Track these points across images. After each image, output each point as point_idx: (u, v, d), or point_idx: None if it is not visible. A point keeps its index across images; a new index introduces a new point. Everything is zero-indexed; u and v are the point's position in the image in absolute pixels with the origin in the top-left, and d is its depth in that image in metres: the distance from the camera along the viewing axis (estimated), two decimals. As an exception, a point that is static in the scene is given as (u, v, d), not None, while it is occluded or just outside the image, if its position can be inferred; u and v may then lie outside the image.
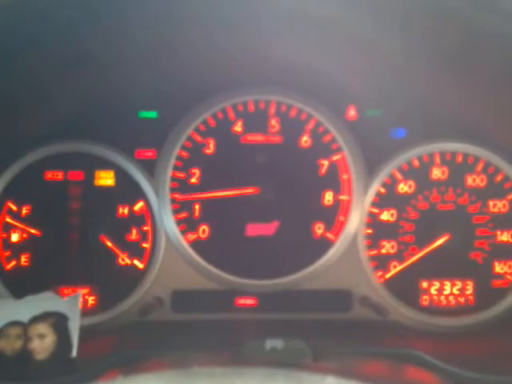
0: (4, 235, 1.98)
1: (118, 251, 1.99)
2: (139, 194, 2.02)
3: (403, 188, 2.03)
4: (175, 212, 2.01)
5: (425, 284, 2.01)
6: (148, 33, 1.52)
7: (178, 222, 2.01)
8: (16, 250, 1.98)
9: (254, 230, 2.02)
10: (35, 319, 1.46)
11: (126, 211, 2.01)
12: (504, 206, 2.01)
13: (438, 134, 2.01)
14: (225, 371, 0.91)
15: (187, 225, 2.02)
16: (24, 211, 1.99)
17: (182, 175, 2.02)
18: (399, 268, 2.00)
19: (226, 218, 2.02)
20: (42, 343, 1.44)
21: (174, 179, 2.02)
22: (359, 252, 2.01)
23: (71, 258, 1.99)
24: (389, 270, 2.01)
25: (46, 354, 1.44)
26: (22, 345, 1.44)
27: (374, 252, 2.02)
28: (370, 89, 1.91)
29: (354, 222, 2.01)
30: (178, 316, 2.00)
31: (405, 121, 2.03)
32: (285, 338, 1.36)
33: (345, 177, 2.03)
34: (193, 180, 2.03)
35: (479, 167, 2.02)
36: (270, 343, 1.34)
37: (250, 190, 2.01)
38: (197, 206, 2.02)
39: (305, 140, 2.04)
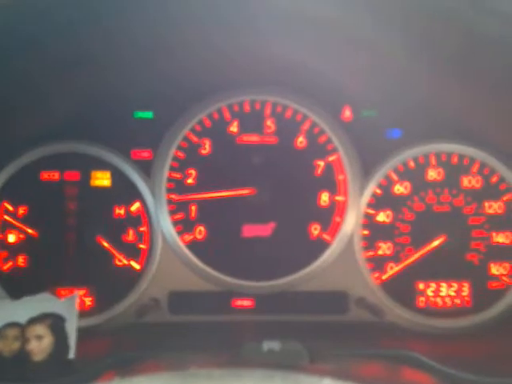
0: (0, 236, 1.98)
1: (114, 252, 1.99)
2: (135, 195, 2.02)
3: (399, 189, 2.03)
4: (172, 213, 2.01)
5: (421, 285, 2.01)
6: (146, 33, 1.52)
7: (175, 223, 2.01)
8: (13, 250, 1.98)
9: (250, 231, 2.02)
10: (33, 320, 1.45)
11: (122, 212, 2.01)
12: (499, 207, 2.01)
13: (433, 135, 2.02)
14: (222, 373, 0.91)
15: (184, 226, 2.02)
16: (20, 212, 1.98)
17: (178, 176, 2.02)
18: (396, 269, 2.01)
19: (223, 218, 2.02)
20: (40, 344, 1.43)
21: (170, 180, 2.02)
22: (355, 253, 2.01)
23: (68, 259, 1.98)
24: (385, 272, 2.01)
25: (43, 355, 1.43)
26: (19, 346, 1.43)
27: (371, 253, 2.02)
28: (366, 89, 1.92)
29: (350, 223, 2.01)
30: (175, 317, 1.99)
31: (400, 121, 2.03)
32: (281, 339, 1.36)
33: (341, 177, 2.03)
34: (189, 181, 2.02)
35: (475, 168, 2.02)
36: (267, 345, 1.34)
37: (246, 191, 2.01)
38: (193, 207, 2.02)
39: (300, 141, 2.04)
